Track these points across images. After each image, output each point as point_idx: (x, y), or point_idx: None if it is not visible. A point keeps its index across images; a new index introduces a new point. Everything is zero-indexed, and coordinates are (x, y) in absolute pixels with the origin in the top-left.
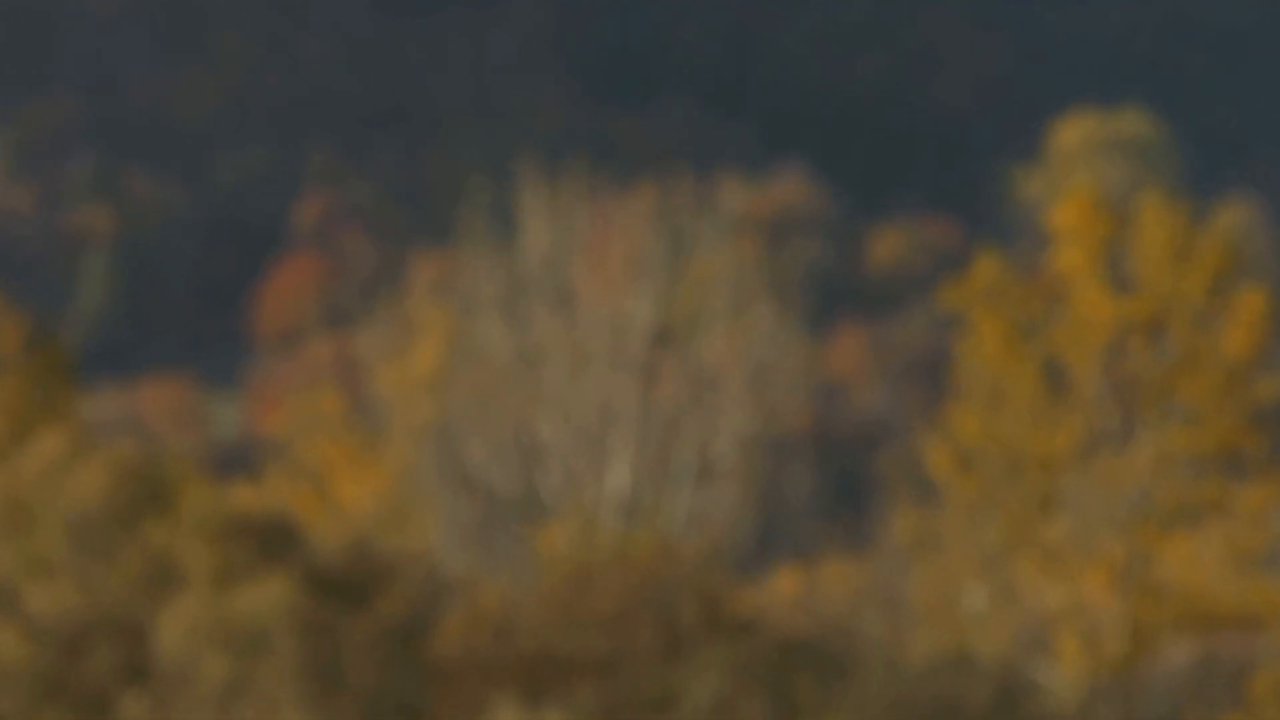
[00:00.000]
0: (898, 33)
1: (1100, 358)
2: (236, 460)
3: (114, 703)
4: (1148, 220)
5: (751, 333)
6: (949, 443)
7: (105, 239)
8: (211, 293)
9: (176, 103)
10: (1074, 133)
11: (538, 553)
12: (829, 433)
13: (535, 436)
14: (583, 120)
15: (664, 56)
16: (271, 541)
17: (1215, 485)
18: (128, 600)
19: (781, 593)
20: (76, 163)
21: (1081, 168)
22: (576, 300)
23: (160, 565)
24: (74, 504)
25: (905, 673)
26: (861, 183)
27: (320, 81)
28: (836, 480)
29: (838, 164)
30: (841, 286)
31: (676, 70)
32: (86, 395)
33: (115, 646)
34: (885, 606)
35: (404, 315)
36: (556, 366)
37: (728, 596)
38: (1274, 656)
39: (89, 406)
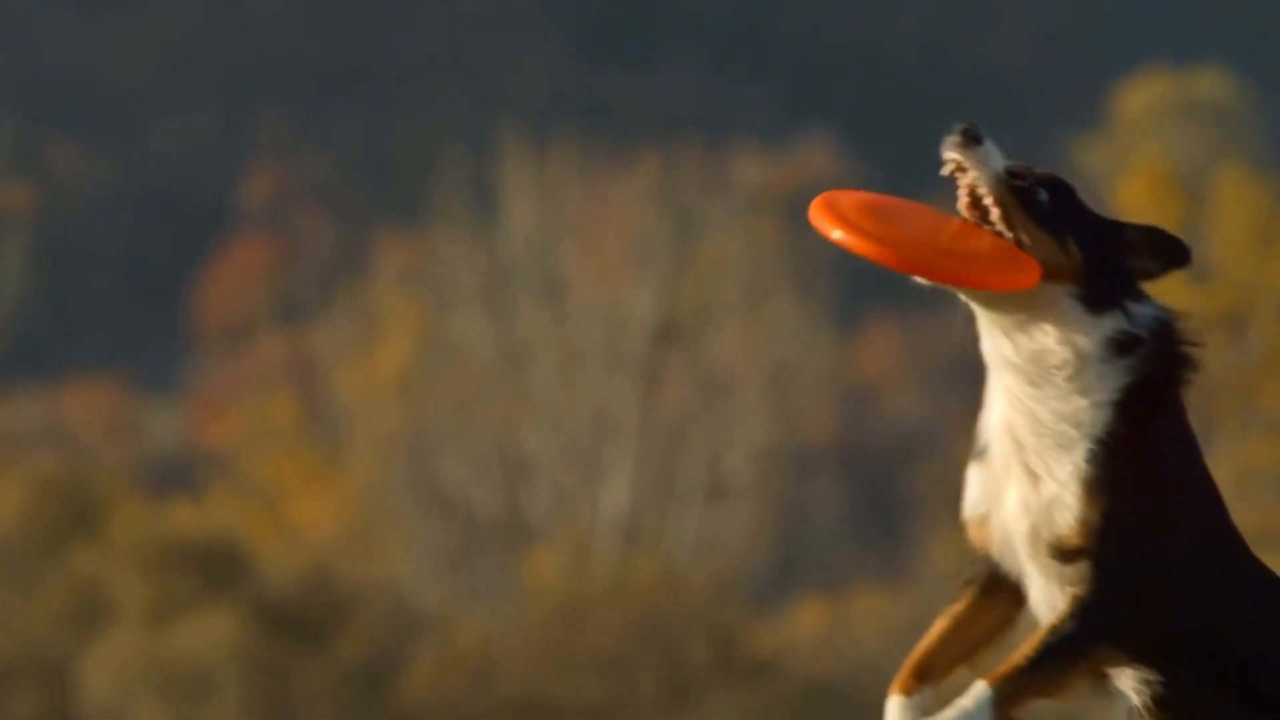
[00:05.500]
0: None
1: None
2: (175, 475)
3: None
4: (1227, 197)
5: (770, 329)
6: None
7: (23, 220)
8: (146, 282)
9: (104, 63)
10: (1142, 96)
11: (523, 583)
12: (858, 444)
13: (520, 449)
14: (573, 82)
15: (668, 7)
16: (215, 570)
17: None
18: (51, 637)
19: (804, 628)
20: None
21: (1151, 136)
22: (568, 291)
23: (88, 597)
24: None
25: None
26: (897, 154)
27: (270, 38)
28: (867, 499)
29: (869, 133)
30: (873, 276)
31: (683, 23)
32: (2, 401)
33: (37, 690)
34: None
35: (368, 308)
36: (545, 368)
37: (742, 633)
38: None
39: (5, 414)
